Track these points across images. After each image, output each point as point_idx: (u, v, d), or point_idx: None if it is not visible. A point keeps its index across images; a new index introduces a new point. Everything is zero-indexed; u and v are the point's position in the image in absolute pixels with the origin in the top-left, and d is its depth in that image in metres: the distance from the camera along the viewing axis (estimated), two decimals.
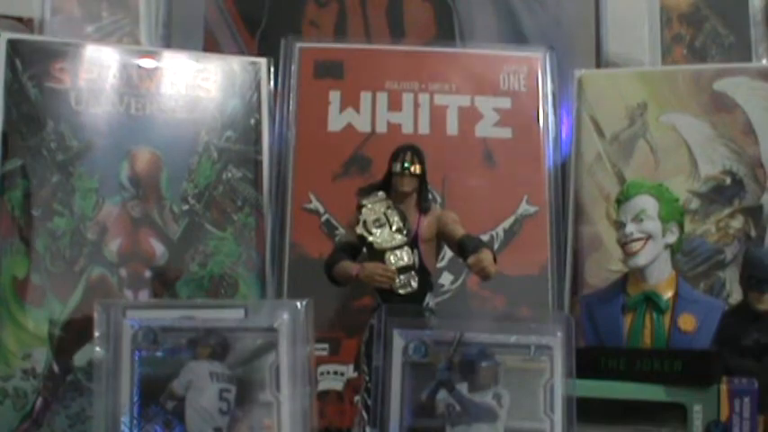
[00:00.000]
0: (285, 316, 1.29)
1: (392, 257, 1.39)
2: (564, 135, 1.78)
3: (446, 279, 1.68)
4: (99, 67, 1.65)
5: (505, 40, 1.89)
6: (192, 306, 1.40)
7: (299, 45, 1.79)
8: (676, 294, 1.44)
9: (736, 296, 1.58)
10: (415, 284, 1.38)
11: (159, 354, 1.28)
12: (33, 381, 1.52)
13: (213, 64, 1.73)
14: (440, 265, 1.61)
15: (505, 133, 1.76)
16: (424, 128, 1.75)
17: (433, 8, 1.93)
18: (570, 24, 1.91)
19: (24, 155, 1.58)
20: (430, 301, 1.41)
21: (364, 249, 1.42)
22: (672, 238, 1.45)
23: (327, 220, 1.69)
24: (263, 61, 1.75)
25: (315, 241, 1.67)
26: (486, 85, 1.78)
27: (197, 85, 1.70)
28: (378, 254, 1.39)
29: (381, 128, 1.75)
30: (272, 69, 1.75)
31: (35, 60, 1.61)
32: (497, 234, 1.70)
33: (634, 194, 1.46)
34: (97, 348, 1.28)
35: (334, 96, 1.76)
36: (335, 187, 1.71)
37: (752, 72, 1.73)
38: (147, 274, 1.60)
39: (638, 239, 1.43)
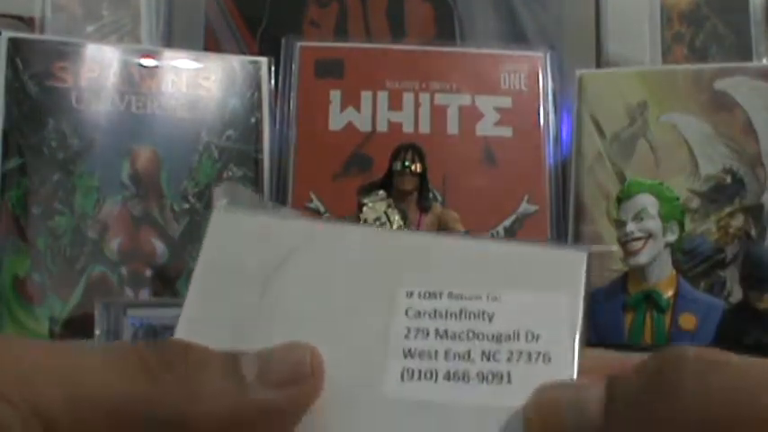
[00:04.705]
0: None
1: None
2: (564, 134, 1.78)
3: None
4: (100, 65, 1.64)
5: (506, 39, 1.89)
6: None
7: (299, 44, 1.78)
8: (677, 293, 1.43)
9: (736, 295, 1.58)
10: None
11: None
12: None
13: (214, 63, 1.73)
14: None
15: (506, 132, 1.76)
16: (424, 127, 1.75)
17: (434, 8, 1.92)
18: (571, 24, 1.90)
19: (25, 153, 1.58)
20: None
21: None
22: (672, 236, 1.45)
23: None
24: (263, 60, 1.75)
25: None
26: (487, 84, 1.78)
27: (198, 84, 1.70)
28: None
29: (382, 127, 1.75)
30: (272, 68, 1.74)
31: (36, 59, 1.61)
32: (498, 233, 1.70)
33: (634, 193, 1.45)
34: None
35: (335, 95, 1.76)
36: (336, 186, 1.71)
37: (752, 72, 1.73)
38: (148, 272, 1.60)
39: (639, 238, 1.43)
